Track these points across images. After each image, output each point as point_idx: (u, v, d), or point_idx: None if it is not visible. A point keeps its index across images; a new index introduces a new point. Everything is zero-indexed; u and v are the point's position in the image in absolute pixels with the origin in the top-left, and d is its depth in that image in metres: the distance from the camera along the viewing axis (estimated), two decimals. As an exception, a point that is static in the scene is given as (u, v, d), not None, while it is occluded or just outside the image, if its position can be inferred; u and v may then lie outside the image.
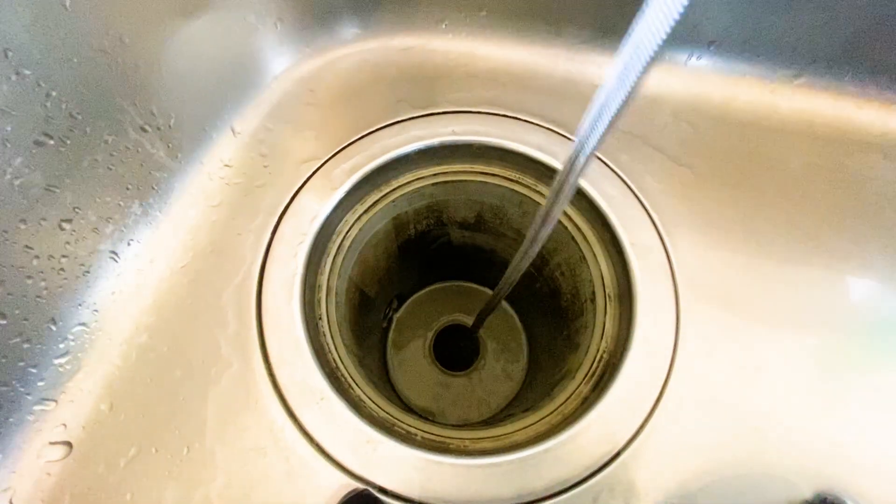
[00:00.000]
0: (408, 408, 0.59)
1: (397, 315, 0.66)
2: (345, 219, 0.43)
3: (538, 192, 0.45)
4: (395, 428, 0.36)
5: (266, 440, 0.32)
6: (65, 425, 0.33)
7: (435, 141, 0.43)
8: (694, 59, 0.46)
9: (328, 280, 0.41)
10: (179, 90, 0.39)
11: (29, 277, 0.31)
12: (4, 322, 0.30)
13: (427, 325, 0.66)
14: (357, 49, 0.49)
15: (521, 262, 0.37)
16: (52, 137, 0.31)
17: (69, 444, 0.32)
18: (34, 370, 0.33)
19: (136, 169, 0.37)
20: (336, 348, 0.39)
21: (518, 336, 0.65)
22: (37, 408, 0.33)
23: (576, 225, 0.44)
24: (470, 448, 0.35)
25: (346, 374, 0.38)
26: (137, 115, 0.36)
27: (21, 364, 0.32)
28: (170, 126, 0.39)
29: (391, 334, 0.65)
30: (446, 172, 0.46)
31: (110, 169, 0.35)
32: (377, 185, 0.45)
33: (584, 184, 0.41)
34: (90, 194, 0.34)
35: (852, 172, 0.43)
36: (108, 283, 0.36)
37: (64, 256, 0.33)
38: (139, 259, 0.38)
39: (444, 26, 0.49)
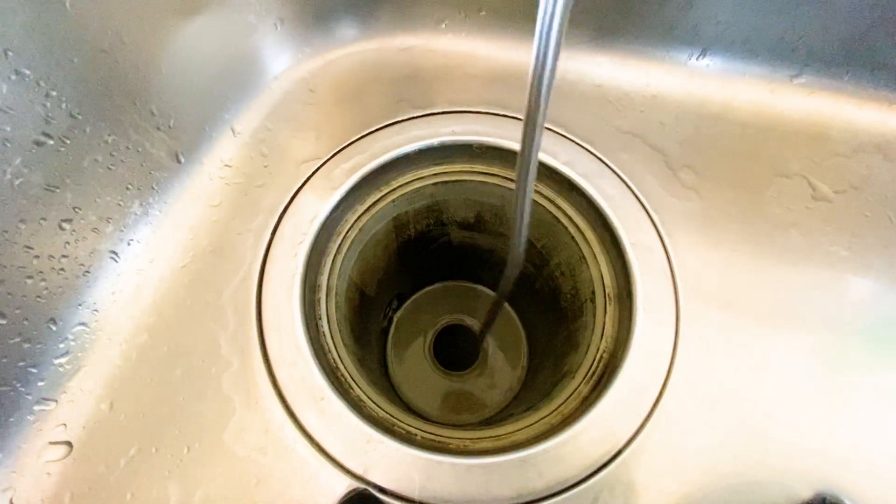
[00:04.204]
0: (408, 408, 0.59)
1: (397, 315, 0.66)
2: (345, 219, 0.43)
3: (538, 191, 0.45)
4: (395, 428, 0.36)
5: (266, 440, 0.32)
6: (65, 425, 0.33)
7: (435, 141, 0.43)
8: (694, 59, 0.46)
9: (328, 280, 0.41)
10: (179, 90, 0.39)
11: (29, 277, 0.31)
12: (4, 322, 0.30)
13: (427, 325, 0.66)
14: (357, 49, 0.49)
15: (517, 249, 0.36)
16: (52, 137, 0.31)
17: (69, 444, 0.32)
18: (34, 370, 0.33)
19: (136, 169, 0.37)
20: (336, 348, 0.39)
21: (518, 336, 0.65)
22: (37, 408, 0.33)
23: (576, 225, 0.44)
24: (470, 448, 0.35)
25: (346, 374, 0.38)
26: (137, 115, 0.36)
27: (21, 364, 0.32)
28: (170, 126, 0.39)
29: (391, 334, 0.65)
30: (446, 172, 0.46)
31: (110, 169, 0.35)
32: (377, 185, 0.45)
33: (584, 184, 0.41)
34: (90, 194, 0.34)
35: (852, 172, 0.43)
36: (108, 283, 0.36)
37: (64, 256, 0.33)
38: (139, 259, 0.38)
39: (443, 26, 0.49)
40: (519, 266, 0.39)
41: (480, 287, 0.69)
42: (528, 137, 0.27)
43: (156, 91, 0.37)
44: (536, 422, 0.37)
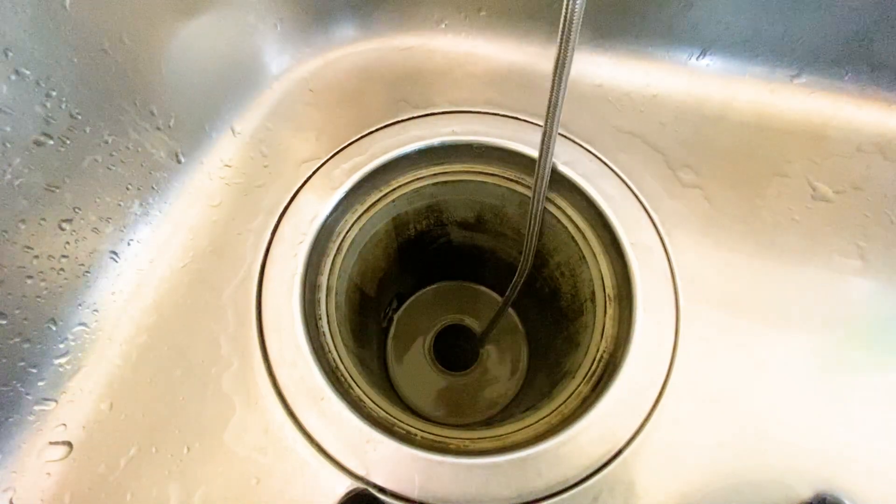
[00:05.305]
0: (408, 408, 0.59)
1: (397, 315, 0.66)
2: (345, 219, 0.43)
3: (538, 192, 0.45)
4: (395, 428, 0.36)
5: (266, 440, 0.32)
6: (65, 425, 0.33)
7: (435, 141, 0.43)
8: (694, 59, 0.46)
9: (328, 280, 0.41)
10: (179, 90, 0.39)
11: (29, 277, 0.31)
12: (4, 322, 0.30)
13: (427, 325, 0.66)
14: (357, 49, 0.49)
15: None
16: (52, 137, 0.31)
17: (69, 444, 0.32)
18: (34, 370, 0.33)
19: (136, 169, 0.37)
20: (336, 348, 0.39)
21: (518, 336, 0.65)
22: (37, 408, 0.33)
23: (576, 225, 0.44)
24: (470, 448, 0.35)
25: (346, 374, 0.38)
26: (137, 115, 0.36)
27: (21, 364, 0.32)
28: (170, 126, 0.39)
29: (391, 334, 0.65)
30: (446, 172, 0.46)
31: (110, 169, 0.35)
32: (377, 185, 0.45)
33: (584, 184, 0.41)
34: (90, 194, 0.34)
35: (852, 172, 0.43)
36: (108, 283, 0.36)
37: (64, 256, 0.33)
38: (139, 259, 0.38)
39: (443, 26, 0.49)
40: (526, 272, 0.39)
41: (480, 287, 0.69)
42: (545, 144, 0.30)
43: (156, 91, 0.37)
44: (536, 422, 0.37)
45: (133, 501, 0.31)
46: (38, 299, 0.32)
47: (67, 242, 0.33)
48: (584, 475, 0.32)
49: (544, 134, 0.33)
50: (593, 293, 0.42)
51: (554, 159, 0.42)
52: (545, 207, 0.45)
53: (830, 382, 0.35)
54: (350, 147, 0.43)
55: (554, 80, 0.29)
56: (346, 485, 0.31)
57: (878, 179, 0.42)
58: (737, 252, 0.39)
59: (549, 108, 0.30)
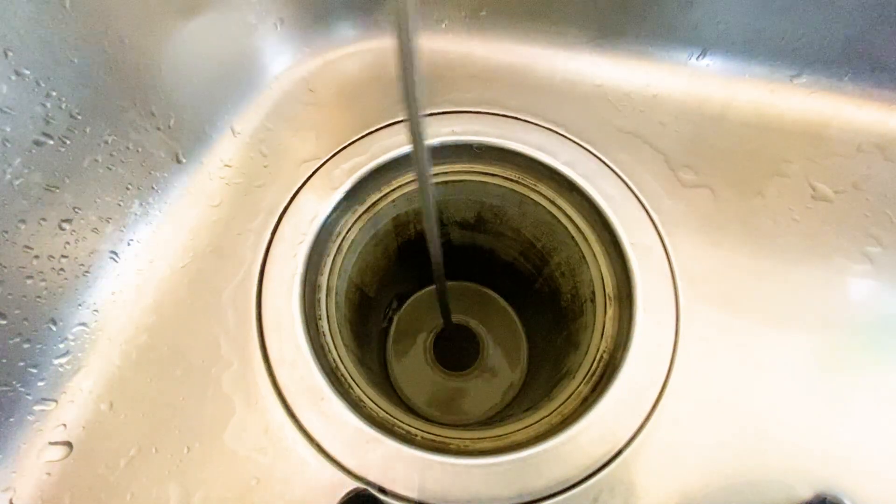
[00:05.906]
0: (408, 408, 0.59)
1: (397, 315, 0.66)
2: (345, 219, 0.43)
3: (538, 191, 0.45)
4: (395, 428, 0.36)
5: (266, 440, 0.32)
6: (65, 425, 0.33)
7: (435, 141, 0.43)
8: (694, 59, 0.46)
9: (328, 280, 0.41)
10: (179, 90, 0.39)
11: (29, 277, 0.31)
12: (4, 322, 0.30)
13: (427, 325, 0.66)
14: (357, 49, 0.49)
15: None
16: (52, 137, 0.31)
17: (69, 444, 0.32)
18: (34, 370, 0.33)
19: (136, 169, 0.37)
20: (336, 348, 0.39)
21: (518, 336, 0.65)
22: (37, 408, 0.33)
23: (576, 225, 0.44)
24: (470, 448, 0.35)
25: (346, 374, 0.38)
26: (137, 115, 0.36)
27: (21, 364, 0.32)
28: (170, 126, 0.39)
29: (391, 334, 0.65)
30: (446, 172, 0.46)
31: (110, 169, 0.35)
32: (377, 185, 0.45)
33: (584, 184, 0.41)
34: (90, 194, 0.34)
35: (852, 172, 0.43)
36: (108, 283, 0.36)
37: (64, 256, 0.33)
38: (139, 259, 0.38)
39: (443, 26, 0.49)
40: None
41: (481, 287, 0.69)
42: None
43: (156, 91, 0.37)
44: (536, 422, 0.37)
45: (133, 501, 0.31)
46: (38, 299, 0.32)
47: (67, 242, 0.33)
48: (584, 475, 0.32)
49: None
50: (593, 293, 0.42)
51: (553, 159, 0.43)
52: (544, 206, 0.45)
53: (830, 382, 0.35)
54: (350, 147, 0.43)
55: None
56: (346, 485, 0.31)
57: (878, 179, 0.42)
58: (737, 252, 0.39)
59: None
